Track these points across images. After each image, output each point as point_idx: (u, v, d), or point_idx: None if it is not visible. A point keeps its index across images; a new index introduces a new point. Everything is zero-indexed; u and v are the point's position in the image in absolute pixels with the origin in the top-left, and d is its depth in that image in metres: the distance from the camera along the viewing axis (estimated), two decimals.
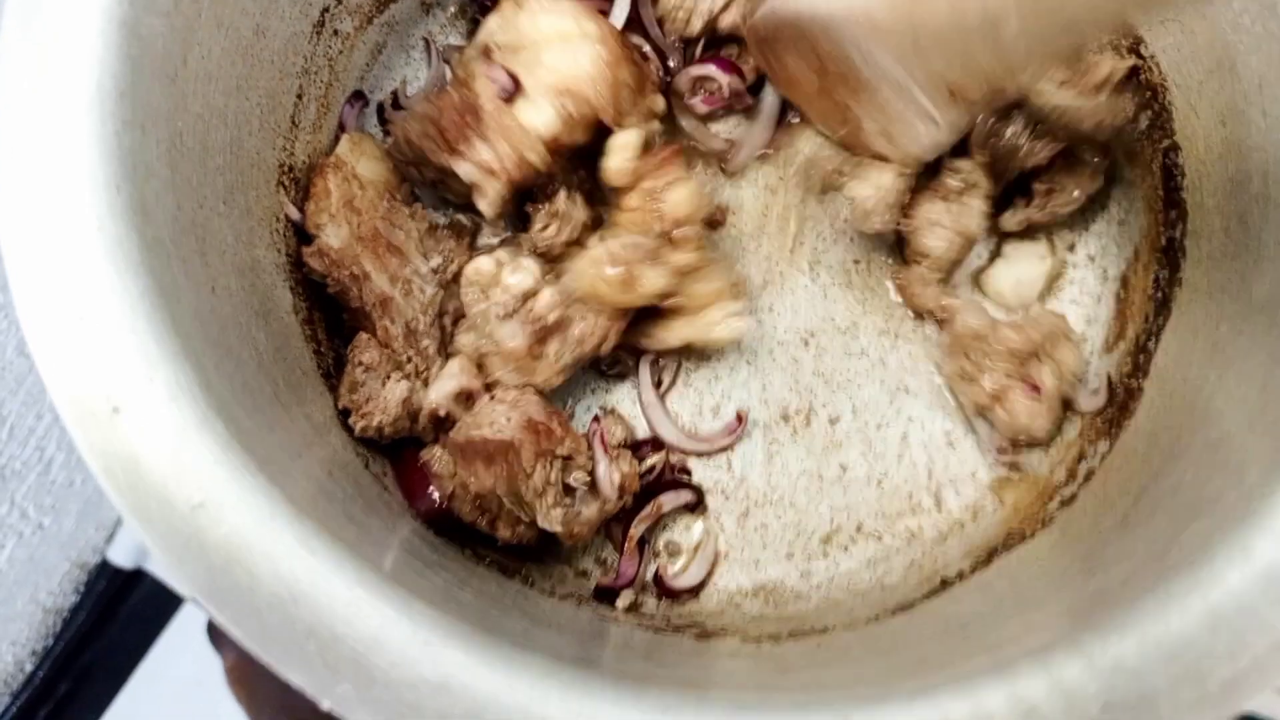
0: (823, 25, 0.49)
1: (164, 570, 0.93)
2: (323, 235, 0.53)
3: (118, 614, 0.96)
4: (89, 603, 0.95)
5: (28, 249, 0.36)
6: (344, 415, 0.52)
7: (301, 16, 0.54)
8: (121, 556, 0.94)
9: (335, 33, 0.57)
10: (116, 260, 0.37)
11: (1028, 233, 0.58)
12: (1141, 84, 0.55)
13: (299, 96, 0.55)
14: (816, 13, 0.49)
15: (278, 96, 0.53)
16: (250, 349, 0.45)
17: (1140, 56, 0.55)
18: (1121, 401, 0.53)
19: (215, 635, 0.87)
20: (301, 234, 0.54)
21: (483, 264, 0.53)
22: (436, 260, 0.56)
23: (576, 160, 0.55)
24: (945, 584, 0.51)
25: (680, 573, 0.56)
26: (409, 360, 0.53)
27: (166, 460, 0.35)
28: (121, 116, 0.39)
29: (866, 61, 0.49)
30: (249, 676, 0.83)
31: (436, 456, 0.52)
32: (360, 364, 0.52)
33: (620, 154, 0.52)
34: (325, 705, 0.33)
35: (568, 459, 0.52)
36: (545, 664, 0.35)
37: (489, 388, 0.53)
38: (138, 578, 0.95)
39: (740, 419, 0.58)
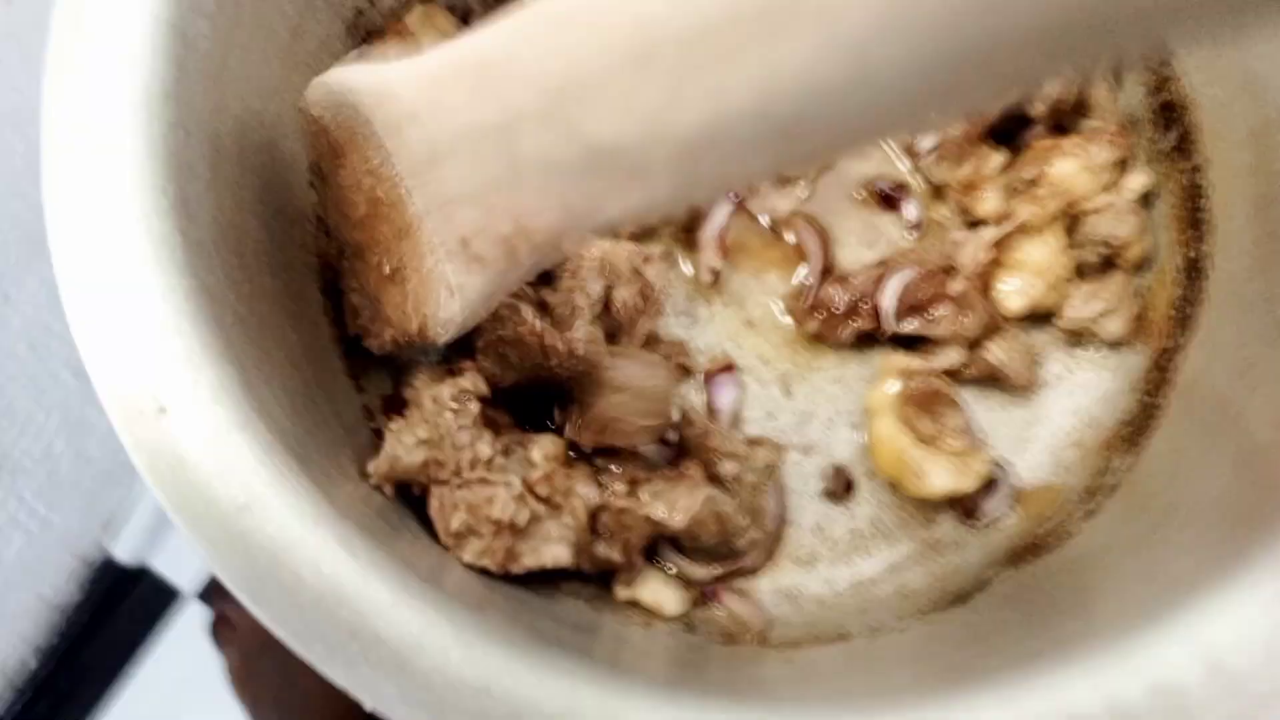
0: (362, 116, 0.36)
1: (202, 564, 0.94)
2: None
3: (119, 611, 0.96)
4: (91, 600, 0.95)
5: (77, 248, 0.37)
6: (367, 414, 0.52)
7: (336, 18, 0.54)
8: (125, 554, 0.95)
9: (368, 33, 0.57)
10: (163, 261, 0.37)
11: None
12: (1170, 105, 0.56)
13: None
14: (355, 93, 0.36)
15: None
16: (284, 350, 0.46)
17: (1167, 76, 0.55)
18: (1144, 417, 0.53)
19: (218, 635, 0.87)
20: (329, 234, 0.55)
21: None
22: None
23: None
24: (966, 594, 0.52)
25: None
26: None
27: (211, 461, 0.35)
28: (167, 118, 0.40)
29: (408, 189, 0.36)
30: (252, 677, 0.83)
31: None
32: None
33: None
34: (369, 705, 0.33)
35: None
36: (581, 668, 0.35)
37: None
38: (140, 576, 0.96)
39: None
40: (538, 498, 0.47)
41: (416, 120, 0.32)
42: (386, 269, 0.40)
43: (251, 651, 0.83)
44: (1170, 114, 0.56)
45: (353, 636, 0.34)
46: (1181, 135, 0.55)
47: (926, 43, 0.21)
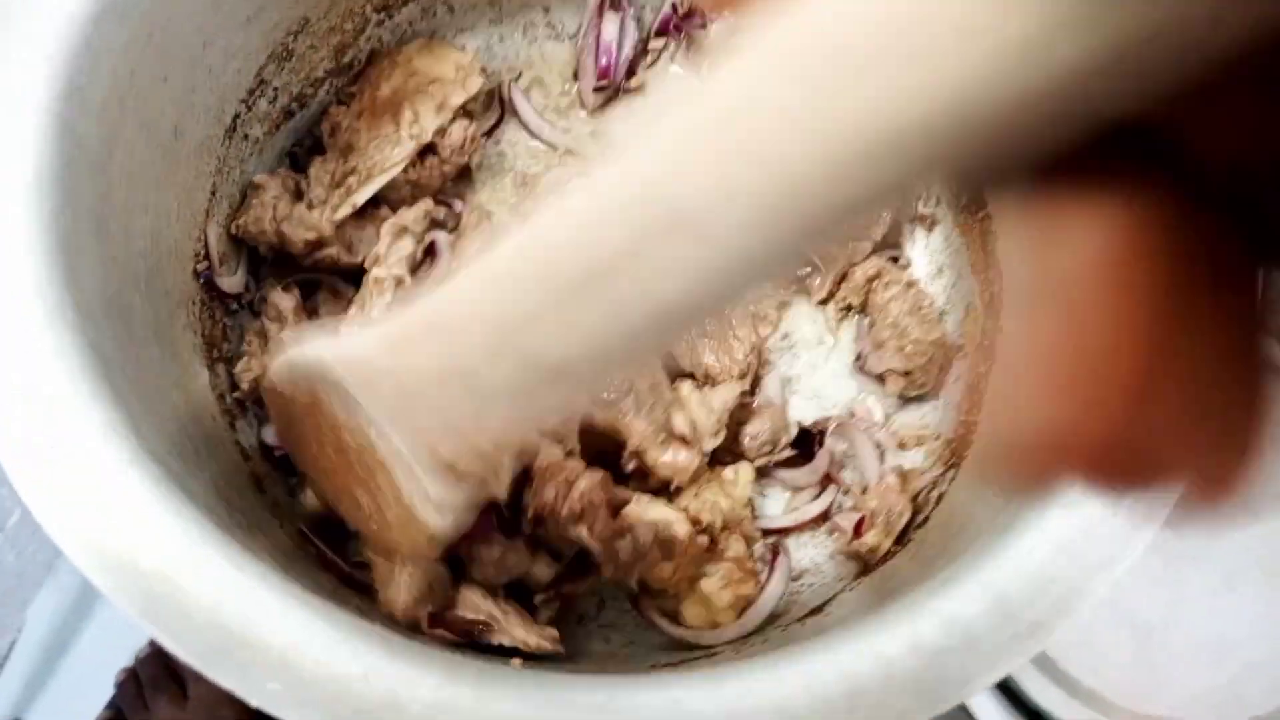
0: (331, 380, 0.38)
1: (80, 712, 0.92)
2: None
3: None
4: None
5: None
6: (258, 482, 0.56)
7: (215, 122, 0.59)
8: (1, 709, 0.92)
9: (245, 137, 0.63)
10: (55, 323, 0.41)
11: None
12: None
13: (212, 193, 0.60)
14: (323, 364, 0.39)
15: (194, 192, 0.58)
16: (172, 412, 0.49)
17: None
18: (962, 435, 0.60)
19: None
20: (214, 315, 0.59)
21: None
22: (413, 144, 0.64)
23: None
24: (820, 608, 0.57)
25: None
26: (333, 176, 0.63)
27: (103, 494, 0.38)
28: (55, 199, 0.44)
29: (378, 430, 0.38)
30: None
31: None
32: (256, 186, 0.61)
33: None
34: (254, 703, 0.36)
35: None
36: (452, 658, 0.39)
37: None
38: None
39: None
40: None
41: (389, 374, 0.36)
42: (365, 505, 0.42)
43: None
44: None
45: (241, 644, 0.37)
46: (973, 190, 0.64)
47: (787, 241, 0.24)
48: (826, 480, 0.63)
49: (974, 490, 0.54)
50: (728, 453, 0.61)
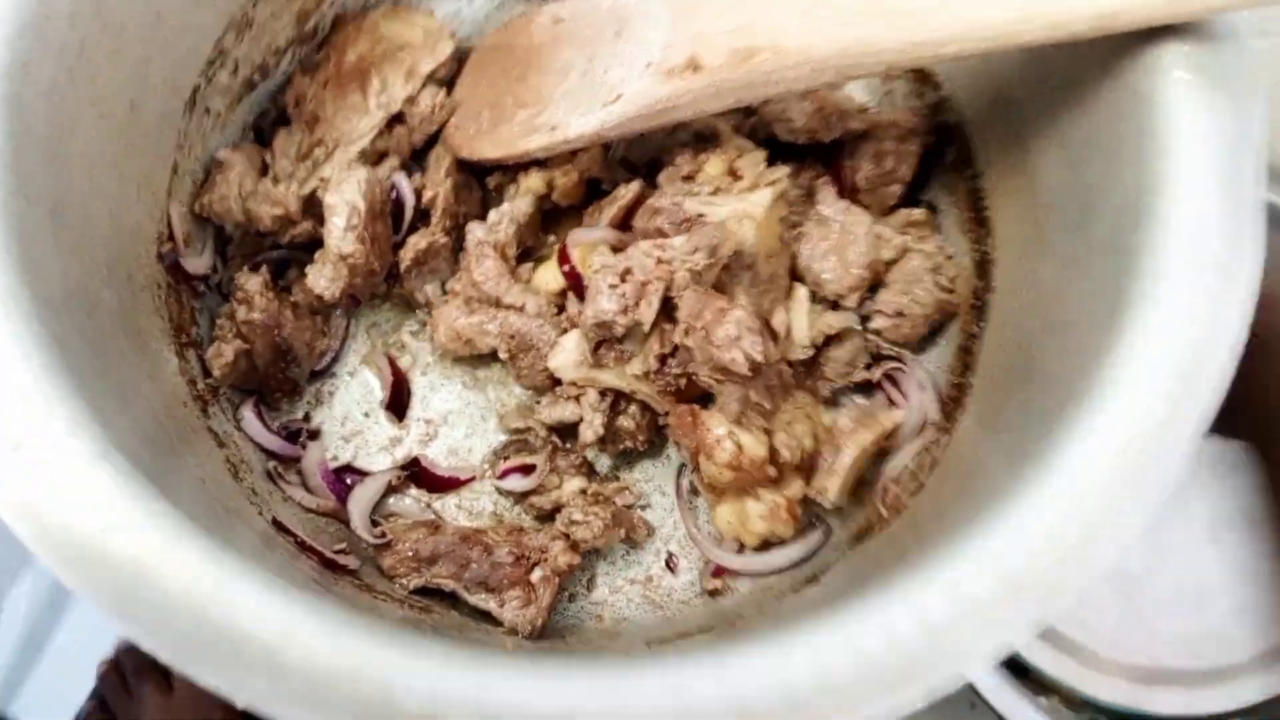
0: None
1: (65, 706, 0.91)
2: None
3: None
4: None
5: None
6: (234, 469, 0.54)
7: (173, 95, 0.57)
8: None
9: (207, 110, 0.60)
10: (11, 311, 0.39)
11: None
12: (947, 125, 0.63)
13: (174, 170, 0.58)
14: None
15: (154, 170, 0.56)
16: (144, 402, 0.47)
17: (943, 99, 0.63)
18: (949, 409, 0.59)
19: None
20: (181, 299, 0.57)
21: None
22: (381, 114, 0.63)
23: None
24: (816, 576, 0.56)
25: None
26: (299, 149, 0.62)
27: (70, 490, 0.37)
28: (7, 185, 0.42)
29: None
30: None
31: None
32: (220, 162, 0.61)
33: None
34: (240, 701, 0.34)
35: None
36: (446, 647, 0.37)
37: None
38: None
39: None
40: None
41: None
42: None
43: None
44: (947, 131, 0.63)
45: (222, 639, 0.35)
46: (959, 149, 0.62)
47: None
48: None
49: (970, 456, 0.52)
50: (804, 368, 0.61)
